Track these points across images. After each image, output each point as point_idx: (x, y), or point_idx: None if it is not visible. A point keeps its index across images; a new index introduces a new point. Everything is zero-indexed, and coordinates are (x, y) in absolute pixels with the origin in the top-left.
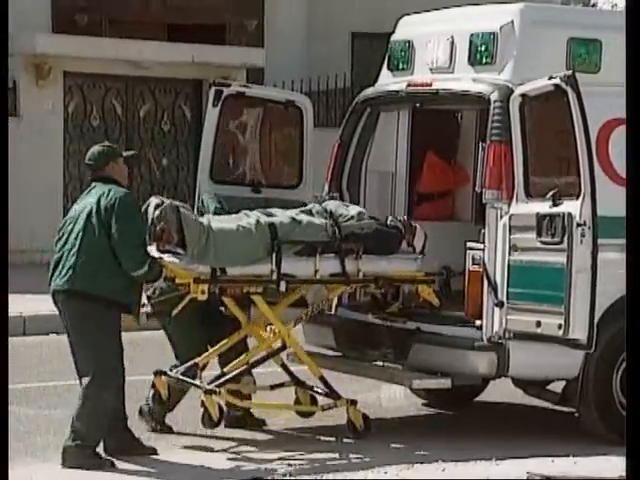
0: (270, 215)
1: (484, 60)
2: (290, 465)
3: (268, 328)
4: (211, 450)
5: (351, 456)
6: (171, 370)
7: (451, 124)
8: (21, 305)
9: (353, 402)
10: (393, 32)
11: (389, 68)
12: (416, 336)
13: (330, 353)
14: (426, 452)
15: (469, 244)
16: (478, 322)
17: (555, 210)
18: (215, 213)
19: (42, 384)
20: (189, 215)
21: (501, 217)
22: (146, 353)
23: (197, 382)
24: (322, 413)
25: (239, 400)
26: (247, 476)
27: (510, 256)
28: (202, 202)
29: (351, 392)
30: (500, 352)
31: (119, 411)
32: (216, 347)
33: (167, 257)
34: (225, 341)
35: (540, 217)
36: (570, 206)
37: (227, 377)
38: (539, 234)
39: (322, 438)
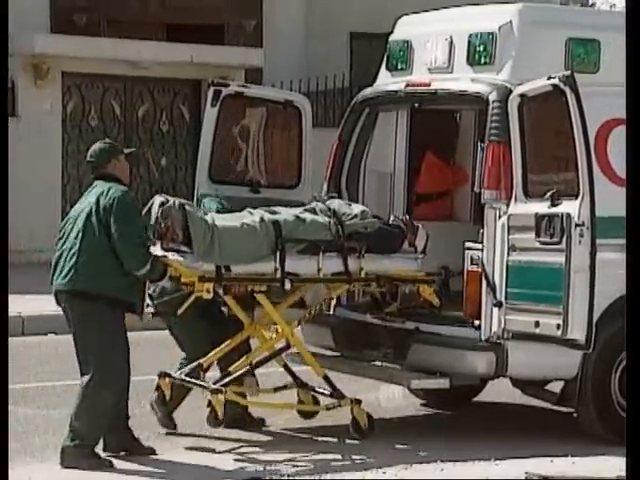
0: (274, 213)
1: (483, 60)
2: (289, 465)
3: (272, 327)
4: (211, 450)
5: (350, 456)
6: (177, 370)
7: (450, 124)
8: (20, 305)
9: (357, 401)
10: (392, 32)
11: (388, 68)
12: (415, 336)
13: (329, 353)
14: (425, 452)
15: (468, 244)
16: (477, 322)
17: (554, 210)
18: (218, 213)
19: (40, 384)
20: (194, 213)
21: (500, 217)
22: (147, 353)
23: (202, 382)
24: (321, 413)
25: (243, 399)
26: (246, 476)
27: (509, 256)
28: (203, 205)
29: (350, 392)
30: (499, 352)
31: (122, 410)
32: (219, 348)
33: (171, 255)
34: (228, 342)
35: (539, 217)
36: (569, 206)
37: (232, 377)
38: (538, 234)
39: (321, 438)
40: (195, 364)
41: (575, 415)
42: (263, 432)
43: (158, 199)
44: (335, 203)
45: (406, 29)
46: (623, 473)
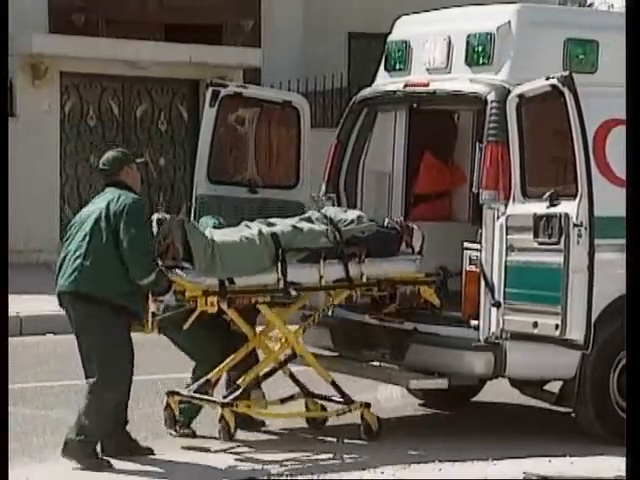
0: (271, 225)
1: (481, 60)
2: (287, 465)
3: (274, 337)
4: (210, 451)
5: (348, 456)
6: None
7: (448, 124)
8: (18, 305)
9: (367, 405)
10: (390, 32)
11: (386, 68)
12: (413, 336)
13: (327, 353)
14: (423, 452)
15: (466, 244)
16: (475, 322)
17: (552, 210)
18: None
19: (39, 384)
20: (194, 229)
21: (498, 217)
22: (147, 353)
23: (212, 398)
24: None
25: (253, 411)
26: (245, 476)
27: (507, 256)
28: (200, 222)
29: (349, 392)
30: (497, 352)
31: (120, 414)
32: (226, 362)
33: (173, 272)
34: (233, 356)
35: (537, 218)
36: (567, 206)
37: (240, 391)
38: (536, 235)
39: (320, 438)
40: (203, 380)
41: (573, 415)
42: (262, 432)
43: (155, 217)
44: (330, 210)
45: (404, 29)
46: (621, 473)
